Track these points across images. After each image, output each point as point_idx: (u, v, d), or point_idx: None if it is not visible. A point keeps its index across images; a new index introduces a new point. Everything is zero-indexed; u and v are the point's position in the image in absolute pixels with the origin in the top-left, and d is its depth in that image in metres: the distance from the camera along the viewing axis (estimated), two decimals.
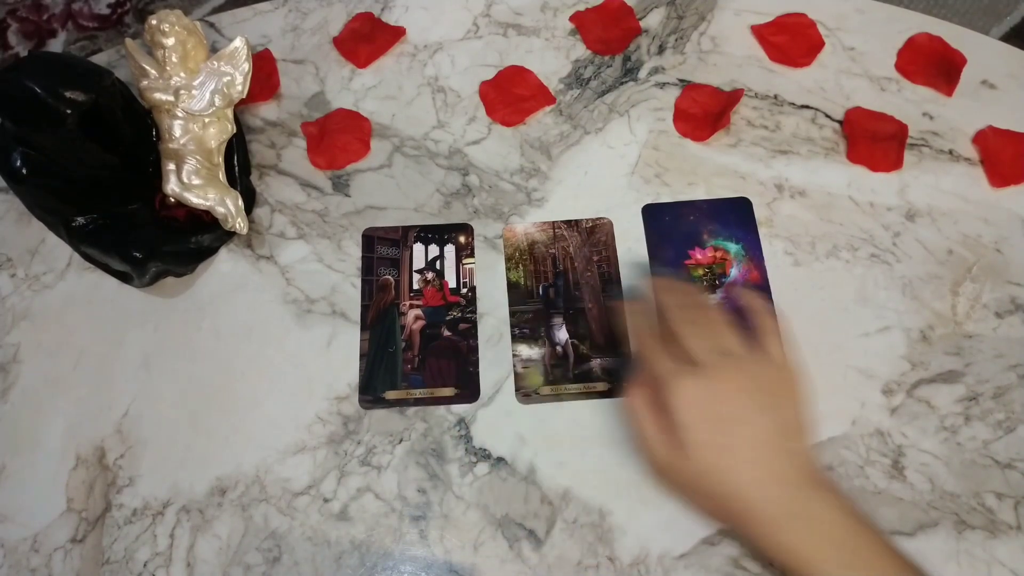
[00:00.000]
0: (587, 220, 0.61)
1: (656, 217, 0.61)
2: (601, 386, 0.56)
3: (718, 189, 0.62)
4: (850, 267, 0.59)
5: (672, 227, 0.60)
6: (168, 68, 0.57)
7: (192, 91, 0.57)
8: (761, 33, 0.68)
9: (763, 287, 0.58)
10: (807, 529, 0.42)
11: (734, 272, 0.59)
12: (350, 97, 0.66)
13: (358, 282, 0.59)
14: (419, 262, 0.60)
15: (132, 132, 0.58)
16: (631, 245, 0.60)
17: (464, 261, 0.60)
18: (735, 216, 0.61)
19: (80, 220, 0.56)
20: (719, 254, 0.60)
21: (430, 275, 0.59)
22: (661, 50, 0.68)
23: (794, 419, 0.45)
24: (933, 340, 0.56)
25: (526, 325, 0.58)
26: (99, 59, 0.66)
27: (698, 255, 0.60)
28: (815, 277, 0.59)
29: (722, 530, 0.51)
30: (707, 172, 0.62)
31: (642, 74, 0.67)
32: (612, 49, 0.68)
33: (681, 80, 0.66)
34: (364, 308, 0.58)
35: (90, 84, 0.53)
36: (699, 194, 0.62)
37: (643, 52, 0.68)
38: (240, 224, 0.58)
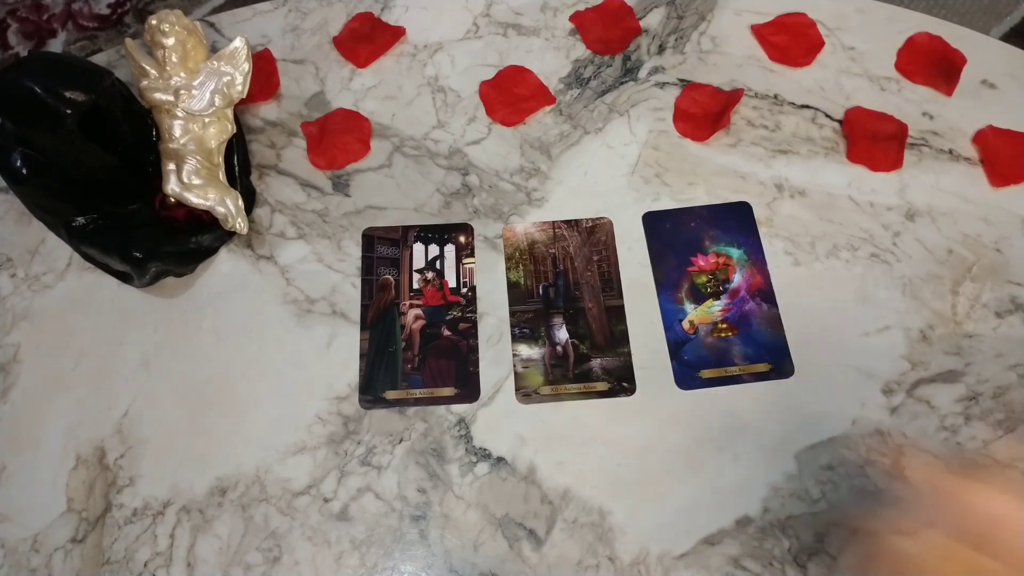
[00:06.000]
0: (587, 220, 0.61)
1: (657, 225, 0.61)
2: (601, 386, 0.56)
3: (718, 189, 0.62)
4: (850, 267, 0.59)
5: (673, 234, 0.60)
6: (168, 68, 0.57)
7: (192, 91, 0.57)
8: (761, 33, 0.68)
9: (766, 292, 0.58)
10: None
11: (738, 278, 0.59)
12: (350, 97, 0.66)
13: (358, 282, 0.59)
14: (419, 262, 0.60)
15: (132, 132, 0.58)
16: (631, 245, 0.60)
17: (464, 261, 0.60)
18: (736, 221, 0.61)
19: (80, 220, 0.56)
20: (722, 260, 0.59)
21: (430, 275, 0.59)
22: (661, 50, 0.68)
23: None
24: (933, 340, 0.56)
25: (526, 325, 0.58)
26: (99, 59, 0.66)
27: (700, 262, 0.59)
28: (815, 277, 0.59)
29: (722, 529, 0.51)
30: (707, 172, 0.62)
31: (642, 74, 0.67)
32: (612, 49, 0.68)
33: (681, 80, 0.66)
34: (364, 308, 0.58)
35: (90, 84, 0.53)
36: (699, 194, 0.62)
37: (643, 52, 0.68)
38: (240, 224, 0.58)
